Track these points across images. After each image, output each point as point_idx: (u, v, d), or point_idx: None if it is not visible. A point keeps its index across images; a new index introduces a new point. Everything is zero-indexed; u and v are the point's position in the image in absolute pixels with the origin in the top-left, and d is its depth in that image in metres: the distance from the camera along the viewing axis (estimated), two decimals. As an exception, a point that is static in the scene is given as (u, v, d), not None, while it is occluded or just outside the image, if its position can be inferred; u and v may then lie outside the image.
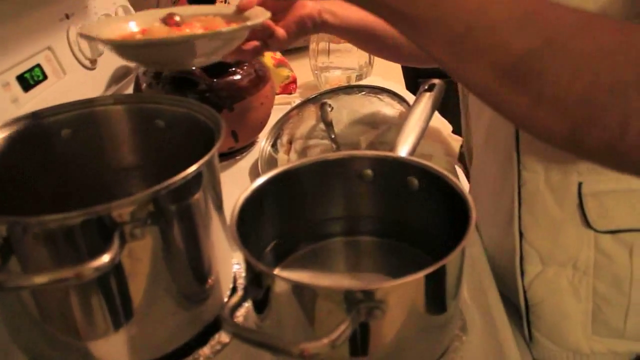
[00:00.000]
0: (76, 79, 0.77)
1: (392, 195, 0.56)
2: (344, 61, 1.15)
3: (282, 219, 0.55)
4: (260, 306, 0.45)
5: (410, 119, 0.65)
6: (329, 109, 0.85)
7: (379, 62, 1.13)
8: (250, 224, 0.50)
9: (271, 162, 0.82)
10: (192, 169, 0.45)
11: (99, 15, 0.86)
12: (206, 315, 0.53)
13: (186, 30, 0.65)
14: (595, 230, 0.56)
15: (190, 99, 0.56)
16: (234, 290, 0.57)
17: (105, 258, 0.38)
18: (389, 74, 1.21)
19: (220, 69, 0.82)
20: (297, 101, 0.94)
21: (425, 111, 0.66)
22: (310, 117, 0.89)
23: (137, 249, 0.43)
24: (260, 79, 0.86)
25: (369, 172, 0.57)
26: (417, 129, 0.63)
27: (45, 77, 0.71)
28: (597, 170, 0.54)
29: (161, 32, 0.65)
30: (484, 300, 0.56)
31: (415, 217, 0.55)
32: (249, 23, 0.63)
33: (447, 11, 0.40)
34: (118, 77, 0.89)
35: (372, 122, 0.83)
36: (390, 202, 0.56)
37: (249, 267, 0.44)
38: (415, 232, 0.55)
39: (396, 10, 0.42)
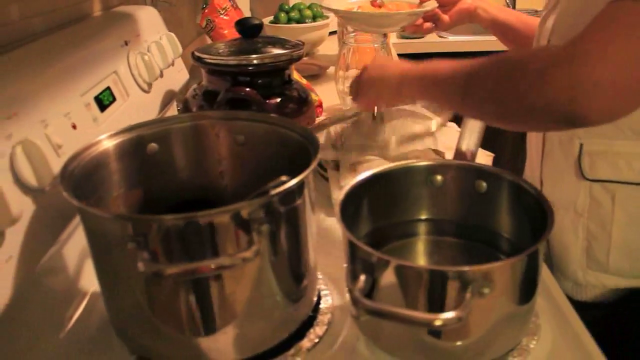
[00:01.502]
0: (138, 100, 0.81)
1: (463, 198, 0.62)
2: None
3: (373, 216, 0.59)
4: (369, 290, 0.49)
5: (465, 131, 0.70)
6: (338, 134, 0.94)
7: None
8: (347, 218, 0.54)
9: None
10: (304, 174, 0.49)
11: (148, 42, 0.91)
12: (302, 313, 0.56)
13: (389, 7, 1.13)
14: (587, 179, 0.72)
15: (283, 117, 0.61)
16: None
17: (249, 252, 0.42)
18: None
19: (270, 92, 0.87)
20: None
21: (480, 123, 0.72)
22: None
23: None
24: (305, 101, 0.91)
25: (438, 177, 0.63)
26: (475, 140, 0.69)
27: (114, 99, 0.75)
28: (591, 134, 0.71)
29: (370, 9, 1.12)
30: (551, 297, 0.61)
31: (486, 217, 0.60)
32: (427, 7, 1.03)
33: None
34: (167, 99, 0.93)
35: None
36: (462, 205, 0.61)
37: (362, 254, 0.49)
38: (487, 232, 0.60)
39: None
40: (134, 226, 0.44)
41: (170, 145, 0.64)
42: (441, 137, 0.90)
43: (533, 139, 0.87)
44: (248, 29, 0.88)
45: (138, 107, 0.82)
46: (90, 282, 0.65)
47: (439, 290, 0.47)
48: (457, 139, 0.70)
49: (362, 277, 0.47)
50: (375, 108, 0.88)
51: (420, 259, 0.62)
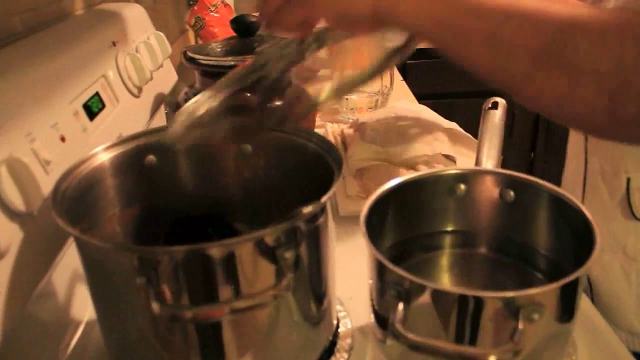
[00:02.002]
0: (128, 106, 0.75)
1: (490, 208, 0.57)
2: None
3: (396, 228, 0.55)
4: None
5: (485, 137, 0.66)
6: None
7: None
8: (372, 232, 0.49)
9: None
10: (331, 191, 0.44)
11: (136, 42, 0.85)
12: (323, 338, 0.52)
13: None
14: (638, 219, 0.63)
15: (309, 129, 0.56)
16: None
17: (279, 289, 0.37)
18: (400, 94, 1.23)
19: (270, 96, 0.82)
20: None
21: (498, 126, 0.67)
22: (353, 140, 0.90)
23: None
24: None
25: (462, 186, 0.58)
26: (496, 143, 0.64)
27: (104, 106, 0.69)
28: None
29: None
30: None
31: (517, 230, 0.55)
32: None
33: (483, 9, 0.42)
34: (157, 104, 0.87)
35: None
36: (490, 216, 0.57)
37: (394, 277, 0.44)
38: (518, 245, 0.56)
39: (438, 18, 0.43)
40: (143, 259, 0.38)
41: (170, 157, 0.58)
42: (449, 140, 0.85)
43: (570, 170, 0.75)
44: (245, 27, 0.83)
45: (128, 113, 0.75)
46: (82, 308, 0.59)
47: (484, 319, 0.42)
48: (477, 145, 0.65)
49: (400, 307, 0.42)
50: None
51: (449, 275, 0.58)
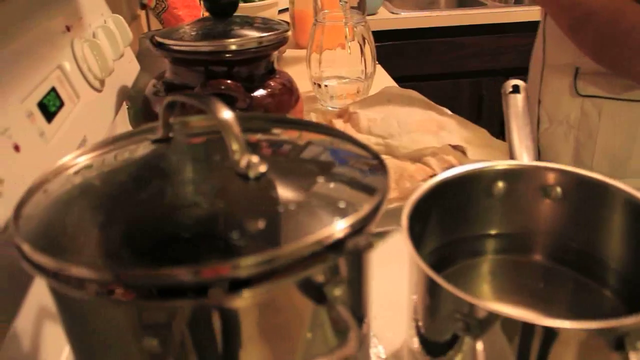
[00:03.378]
0: (89, 102, 0.63)
1: (536, 208, 0.49)
2: (340, 70, 1.07)
3: (436, 232, 0.46)
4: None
5: (512, 124, 0.58)
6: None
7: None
8: (414, 239, 0.41)
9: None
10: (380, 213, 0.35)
11: (93, 27, 0.72)
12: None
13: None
14: (580, 95, 0.86)
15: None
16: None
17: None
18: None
19: (253, 83, 0.72)
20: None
21: (523, 112, 0.60)
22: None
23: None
24: (293, 92, 0.76)
25: (500, 184, 0.51)
26: (527, 131, 0.57)
27: (62, 103, 0.57)
28: (589, 62, 0.82)
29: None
30: None
31: (576, 235, 0.48)
32: None
33: None
34: (121, 98, 0.75)
35: (424, 127, 0.76)
36: (539, 217, 0.49)
37: (455, 304, 0.35)
38: (575, 253, 0.48)
39: None
40: (153, 315, 0.28)
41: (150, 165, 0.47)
42: (455, 129, 0.77)
43: (533, 65, 0.99)
44: (221, 7, 0.72)
45: (91, 110, 0.64)
46: (55, 351, 0.48)
47: (574, 352, 0.34)
48: (506, 133, 0.57)
49: (480, 347, 0.33)
50: None
51: (495, 286, 0.50)
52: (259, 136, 0.42)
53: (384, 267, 0.43)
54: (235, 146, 0.32)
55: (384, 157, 0.73)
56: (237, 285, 0.27)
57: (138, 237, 0.33)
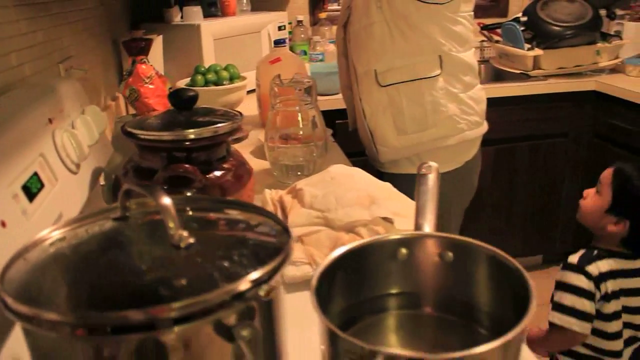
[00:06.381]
0: (66, 183, 0.74)
1: (431, 270, 0.60)
2: (295, 150, 1.19)
3: (344, 294, 0.57)
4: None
5: (420, 200, 0.70)
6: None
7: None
8: (322, 301, 0.51)
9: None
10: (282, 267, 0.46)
11: (72, 117, 0.84)
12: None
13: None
14: (383, 86, 1.34)
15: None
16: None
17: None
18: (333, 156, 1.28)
19: (209, 166, 0.83)
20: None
21: (432, 190, 0.72)
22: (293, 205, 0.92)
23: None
24: (244, 173, 0.88)
25: (403, 250, 0.62)
26: (432, 206, 0.69)
27: (42, 185, 0.68)
28: (386, 64, 1.33)
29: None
30: None
31: (458, 289, 0.59)
32: None
33: None
34: (95, 178, 0.86)
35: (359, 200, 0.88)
36: (432, 276, 0.60)
37: (349, 346, 0.45)
38: (460, 303, 0.59)
39: None
40: (106, 348, 0.38)
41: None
42: (385, 203, 0.89)
43: (351, 76, 1.44)
44: (184, 102, 0.84)
45: (67, 191, 0.75)
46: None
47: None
48: (415, 209, 0.69)
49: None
50: None
51: (398, 336, 0.60)
52: (199, 214, 0.53)
53: (309, 325, 0.52)
54: (171, 224, 0.43)
55: (322, 228, 0.84)
56: (170, 323, 0.37)
57: (97, 292, 0.43)
